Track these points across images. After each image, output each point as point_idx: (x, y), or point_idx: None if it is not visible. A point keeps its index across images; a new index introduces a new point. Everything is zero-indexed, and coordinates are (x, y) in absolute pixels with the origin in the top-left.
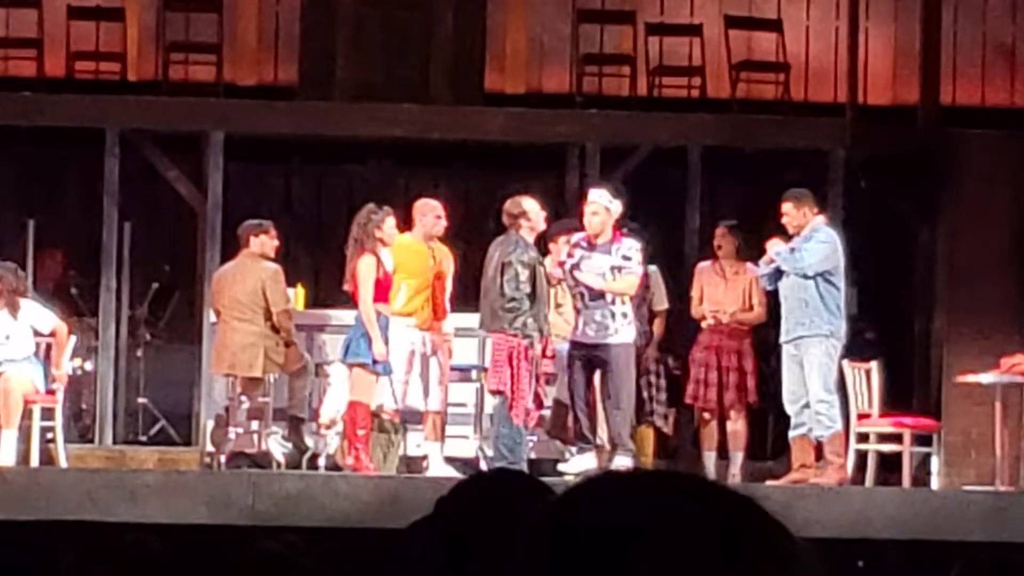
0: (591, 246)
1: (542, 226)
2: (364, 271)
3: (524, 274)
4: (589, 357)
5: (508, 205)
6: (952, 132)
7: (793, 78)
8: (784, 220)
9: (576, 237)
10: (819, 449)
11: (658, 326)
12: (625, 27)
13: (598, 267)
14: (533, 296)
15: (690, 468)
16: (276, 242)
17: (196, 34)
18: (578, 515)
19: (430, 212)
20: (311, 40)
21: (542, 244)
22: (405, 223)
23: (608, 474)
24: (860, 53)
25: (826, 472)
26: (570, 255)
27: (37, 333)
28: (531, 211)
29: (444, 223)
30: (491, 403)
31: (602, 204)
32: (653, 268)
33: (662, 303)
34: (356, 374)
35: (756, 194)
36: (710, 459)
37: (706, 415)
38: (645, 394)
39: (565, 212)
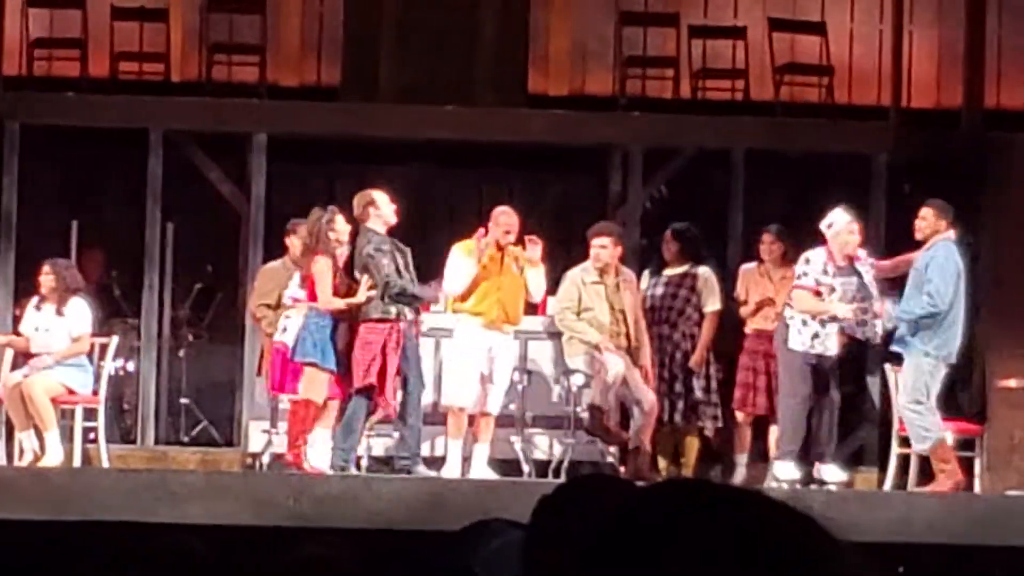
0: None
1: (392, 217)
2: (320, 271)
3: (384, 261)
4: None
5: (356, 197)
6: (996, 136)
7: (837, 81)
8: (918, 223)
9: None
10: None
11: (708, 328)
12: (668, 29)
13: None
14: (397, 284)
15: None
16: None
17: (239, 35)
18: (614, 525)
19: (502, 225)
20: (354, 41)
21: (583, 246)
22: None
23: (650, 486)
24: (904, 56)
25: (939, 480)
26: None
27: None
28: (379, 201)
29: (512, 237)
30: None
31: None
32: (704, 269)
33: (714, 305)
34: (308, 372)
35: (799, 197)
36: (742, 461)
37: (744, 418)
38: (698, 396)
39: (607, 215)
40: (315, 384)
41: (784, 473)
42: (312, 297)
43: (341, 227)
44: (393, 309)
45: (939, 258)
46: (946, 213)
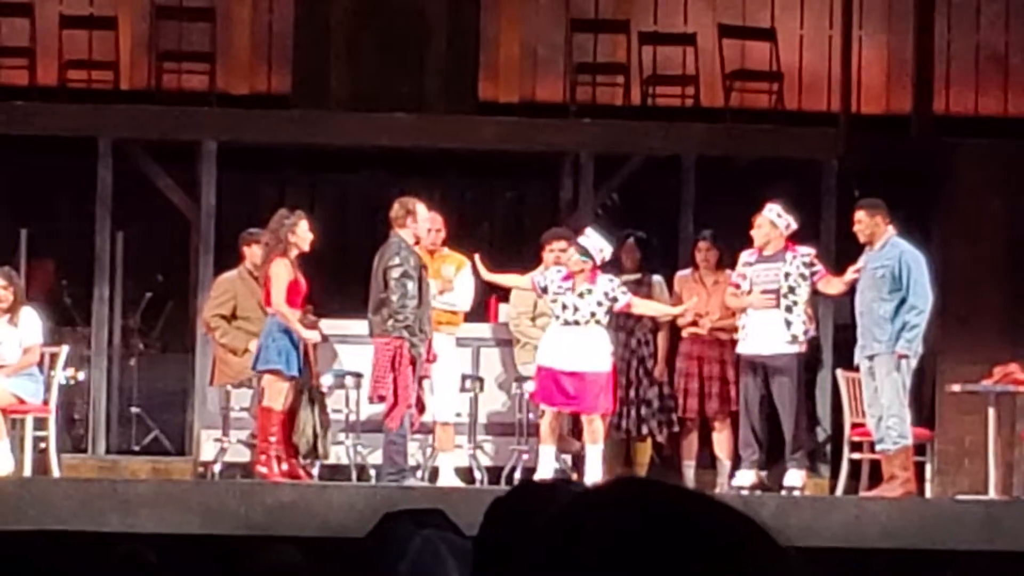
0: (759, 258)
1: (424, 233)
2: (278, 274)
3: (410, 283)
4: (761, 368)
5: (398, 203)
6: (945, 141)
7: (786, 87)
8: (856, 228)
9: (745, 254)
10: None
11: (663, 339)
12: (619, 36)
13: (766, 277)
14: (419, 301)
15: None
16: None
17: (189, 43)
18: (560, 523)
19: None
20: (304, 49)
21: (535, 252)
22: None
23: (595, 487)
24: (853, 62)
25: (892, 486)
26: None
27: None
28: (419, 213)
29: (440, 235)
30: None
31: (767, 218)
32: (658, 279)
33: (667, 315)
34: (268, 381)
35: (749, 203)
36: (690, 469)
37: (687, 425)
38: (655, 403)
39: (558, 221)
40: (276, 392)
41: (741, 480)
42: (269, 301)
43: (303, 233)
44: (403, 329)
45: (908, 254)
46: (879, 209)
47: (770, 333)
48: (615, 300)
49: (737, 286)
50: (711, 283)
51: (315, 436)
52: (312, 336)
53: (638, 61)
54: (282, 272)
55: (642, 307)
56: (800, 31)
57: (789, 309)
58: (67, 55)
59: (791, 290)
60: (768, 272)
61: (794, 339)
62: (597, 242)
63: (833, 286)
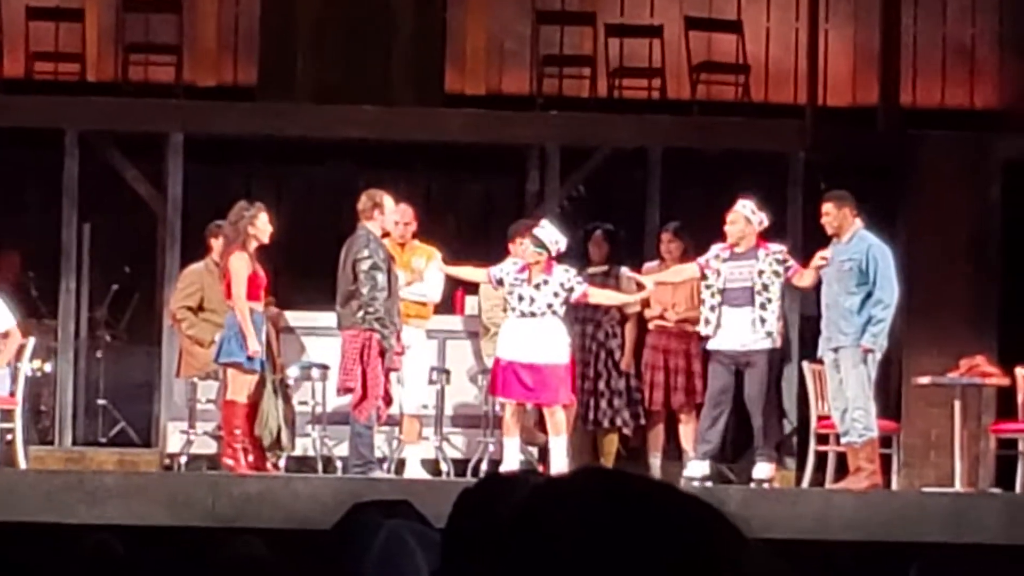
0: (732, 255)
1: (391, 226)
2: (237, 267)
3: (379, 275)
4: (732, 362)
5: (365, 195)
6: (911, 134)
7: (753, 80)
8: (823, 220)
9: (716, 247)
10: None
11: (631, 330)
12: (585, 28)
13: (739, 274)
14: (388, 293)
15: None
16: None
17: (155, 35)
18: (527, 512)
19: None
20: (271, 41)
21: (502, 244)
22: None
23: (563, 477)
24: (820, 55)
25: (858, 478)
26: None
27: None
28: (386, 206)
29: (411, 228)
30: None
31: (742, 214)
32: (625, 270)
33: (636, 306)
34: (231, 374)
35: (716, 196)
36: (656, 460)
37: (653, 417)
38: (623, 395)
39: (525, 213)
40: (238, 385)
41: (693, 471)
42: (229, 294)
43: (263, 225)
44: (373, 321)
45: (875, 247)
46: (847, 202)
47: (744, 329)
48: (571, 291)
49: (704, 277)
50: None
51: (279, 428)
52: (255, 348)
53: (604, 53)
54: (241, 266)
55: (599, 296)
56: (767, 23)
57: (763, 307)
58: (33, 47)
59: (764, 287)
60: (741, 270)
61: (767, 335)
62: (552, 234)
63: (806, 279)
